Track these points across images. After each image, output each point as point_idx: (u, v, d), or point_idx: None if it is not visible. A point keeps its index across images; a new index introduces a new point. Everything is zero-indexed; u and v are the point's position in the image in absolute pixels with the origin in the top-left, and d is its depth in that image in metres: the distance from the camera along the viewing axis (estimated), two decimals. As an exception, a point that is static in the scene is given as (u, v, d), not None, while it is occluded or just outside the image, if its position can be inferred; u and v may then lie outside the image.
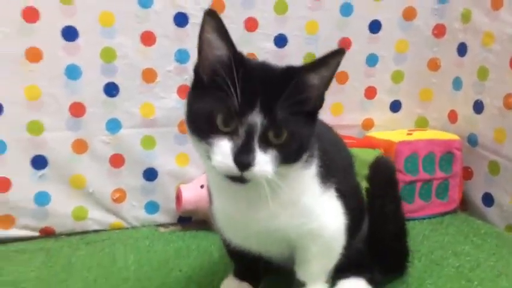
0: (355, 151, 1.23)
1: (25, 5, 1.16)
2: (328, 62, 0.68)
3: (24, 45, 1.18)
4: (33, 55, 1.19)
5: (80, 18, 1.21)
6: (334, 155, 0.85)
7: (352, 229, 0.84)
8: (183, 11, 1.27)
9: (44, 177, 1.24)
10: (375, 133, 1.42)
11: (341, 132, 1.40)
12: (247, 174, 0.64)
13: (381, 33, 1.41)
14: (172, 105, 1.30)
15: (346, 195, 0.83)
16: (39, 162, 1.23)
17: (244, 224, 0.77)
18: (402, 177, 1.29)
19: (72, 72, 1.23)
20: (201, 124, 0.67)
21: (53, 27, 1.20)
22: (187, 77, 1.30)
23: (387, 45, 1.43)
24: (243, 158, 0.63)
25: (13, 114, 1.20)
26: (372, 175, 0.91)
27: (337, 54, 0.67)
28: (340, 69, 1.30)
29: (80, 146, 1.25)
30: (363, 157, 1.24)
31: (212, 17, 0.66)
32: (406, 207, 1.26)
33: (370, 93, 1.45)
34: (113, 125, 1.27)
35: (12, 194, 1.21)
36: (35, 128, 1.22)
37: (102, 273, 1.02)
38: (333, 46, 1.32)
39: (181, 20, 1.27)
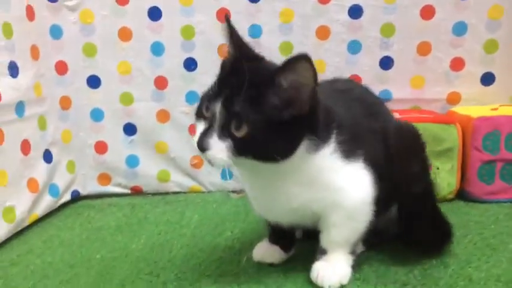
0: (429, 126, 1.17)
1: (117, -10, 1.32)
2: (293, 67, 0.68)
3: (117, 26, 1.35)
4: (125, 34, 1.35)
5: (163, -1, 1.33)
6: (365, 128, 0.83)
7: (387, 200, 0.83)
8: (256, -13, 1.31)
9: (134, 143, 1.41)
10: (459, 108, 1.31)
11: (423, 106, 1.34)
12: (204, 156, 0.71)
13: (470, -2, 1.29)
14: (245, 78, 1.36)
15: (380, 167, 0.81)
16: (129, 129, 1.40)
17: (269, 204, 0.82)
18: (479, 156, 1.18)
19: (157, 49, 1.36)
20: (198, 108, 0.77)
21: (141, 8, 1.34)
22: (260, 51, 1.35)
23: (478, 12, 1.29)
24: (200, 141, 0.71)
25: (109, 87, 1.38)
26: (394, 141, 0.86)
27: (300, 59, 0.67)
28: (421, 39, 1.27)
29: (163, 116, 1.39)
30: (437, 132, 1.18)
31: (226, 22, 0.77)
32: (484, 188, 1.18)
33: (457, 64, 1.34)
34: (192, 97, 1.38)
35: (108, 156, 1.41)
36: (126, 99, 1.39)
37: (166, 228, 1.14)
38: (414, 14, 1.28)
39: (254, -5, 1.32)
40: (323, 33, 1.34)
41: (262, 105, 0.69)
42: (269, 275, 0.87)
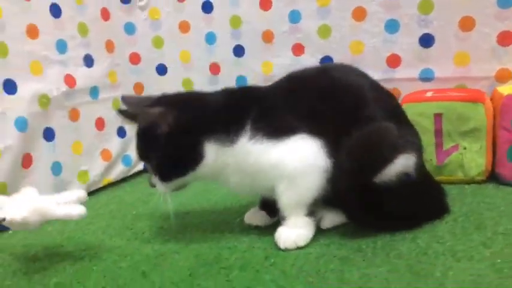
0: (453, 105, 1.15)
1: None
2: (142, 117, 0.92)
3: (178, 20, 1.55)
4: (184, 27, 1.55)
5: (213, -7, 1.50)
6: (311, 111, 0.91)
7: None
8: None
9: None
10: (506, 87, 1.22)
11: (469, 85, 1.28)
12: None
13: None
14: (287, 62, 1.46)
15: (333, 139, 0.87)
16: (191, 110, 1.60)
17: (233, 189, 0.98)
18: (508, 136, 1.10)
19: (210, 39, 1.53)
20: None
21: (196, 4, 1.52)
22: (299, 36, 1.44)
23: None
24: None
25: (173, 74, 1.60)
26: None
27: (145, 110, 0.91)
28: (463, 14, 1.23)
29: (217, 98, 1.56)
30: (462, 111, 1.14)
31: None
32: None
33: (505, 39, 1.24)
34: (241, 81, 1.52)
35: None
36: (188, 84, 1.59)
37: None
38: None
39: (293, -18, 1.41)
40: (359, 14, 1.36)
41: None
42: (248, 234, 0.98)
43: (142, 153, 0.94)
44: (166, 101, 0.94)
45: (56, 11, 1.31)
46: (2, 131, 1.15)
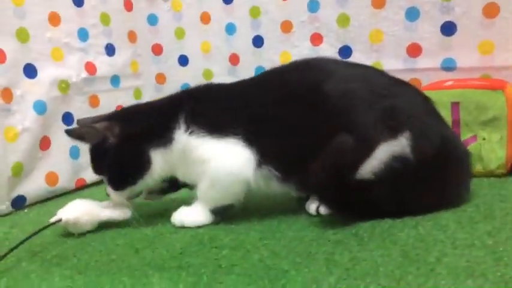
0: (470, 93, 1.10)
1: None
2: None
3: (199, 11, 1.57)
4: (205, 18, 1.56)
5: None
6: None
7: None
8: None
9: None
10: (531, 76, 1.15)
11: (494, 75, 1.22)
12: None
13: None
14: (305, 52, 1.44)
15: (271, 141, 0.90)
16: (210, 101, 1.61)
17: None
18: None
19: (230, 29, 1.54)
20: None
21: (217, -6, 1.53)
22: (318, 25, 1.42)
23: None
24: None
25: (194, 64, 1.61)
26: None
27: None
28: (486, 0, 1.17)
29: (236, 89, 1.56)
30: (480, 100, 1.09)
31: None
32: None
33: (533, 25, 1.17)
34: (260, 71, 1.49)
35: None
36: (208, 74, 1.60)
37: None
38: None
39: (312, -29, 1.39)
40: (379, 1, 1.32)
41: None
42: (248, 218, 0.97)
43: (96, 167, 0.98)
44: (113, 116, 1.00)
45: (78, 0, 1.36)
46: (21, 113, 1.19)
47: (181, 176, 0.97)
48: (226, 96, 0.96)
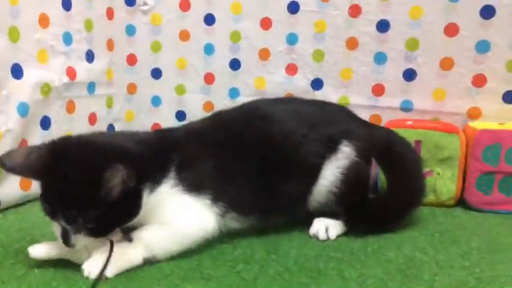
0: (431, 134, 1.27)
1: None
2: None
3: (179, 28, 1.61)
4: (184, 35, 1.61)
5: (217, 7, 1.56)
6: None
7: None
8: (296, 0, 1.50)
9: (182, 127, 1.66)
10: (476, 123, 1.36)
11: (443, 119, 1.42)
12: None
13: (494, 19, 1.34)
14: (280, 80, 1.55)
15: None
16: (181, 115, 1.65)
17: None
18: (479, 166, 1.23)
19: (208, 49, 1.60)
20: None
21: (199, 14, 1.58)
22: (294, 57, 1.54)
23: (502, 32, 1.34)
24: None
25: (167, 78, 1.65)
26: None
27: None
28: (444, 55, 1.35)
29: (209, 107, 1.62)
30: (439, 140, 1.26)
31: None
32: (482, 198, 1.24)
33: (479, 81, 1.39)
34: (234, 93, 1.60)
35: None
36: (181, 89, 1.64)
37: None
38: (439, 31, 1.37)
39: (293, 7, 1.51)
40: (352, 43, 1.48)
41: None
42: (245, 235, 1.04)
43: (68, 213, 0.79)
44: (113, 155, 0.84)
45: (67, 3, 1.34)
46: (5, 114, 1.16)
47: (137, 220, 0.89)
48: (197, 150, 0.97)
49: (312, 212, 1.06)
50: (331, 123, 1.07)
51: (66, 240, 0.82)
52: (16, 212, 1.20)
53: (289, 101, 1.25)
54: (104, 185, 0.75)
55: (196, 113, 1.62)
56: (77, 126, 1.41)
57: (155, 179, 0.89)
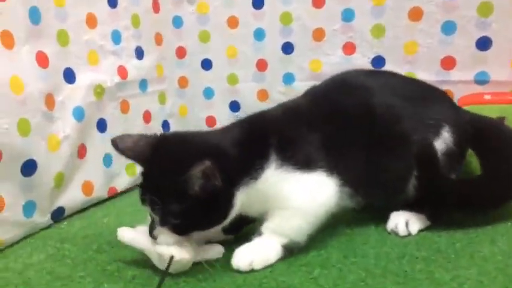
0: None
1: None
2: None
3: (226, 15, 1.54)
4: (233, 22, 1.54)
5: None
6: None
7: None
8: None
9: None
10: None
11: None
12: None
13: None
14: (336, 61, 1.45)
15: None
16: (234, 106, 1.59)
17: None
18: None
19: (259, 35, 1.52)
20: None
21: (246, -1, 1.51)
22: (351, 34, 1.43)
23: None
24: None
25: (218, 69, 1.59)
26: None
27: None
28: None
29: (263, 95, 1.55)
30: None
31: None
32: None
33: None
34: (288, 78, 1.51)
35: (216, 129, 1.62)
36: (233, 79, 1.58)
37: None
38: None
39: (347, -19, 1.40)
40: (416, 14, 1.35)
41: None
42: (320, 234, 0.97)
43: (154, 199, 0.80)
44: (198, 150, 0.83)
45: (112, 0, 1.30)
46: (62, 120, 1.13)
47: (253, 212, 0.90)
48: (297, 126, 0.92)
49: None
50: (431, 102, 0.99)
51: (151, 230, 0.83)
52: (81, 217, 1.19)
53: (382, 73, 1.16)
54: (187, 176, 0.76)
55: (250, 102, 1.56)
56: (132, 126, 1.39)
57: (251, 174, 0.84)
